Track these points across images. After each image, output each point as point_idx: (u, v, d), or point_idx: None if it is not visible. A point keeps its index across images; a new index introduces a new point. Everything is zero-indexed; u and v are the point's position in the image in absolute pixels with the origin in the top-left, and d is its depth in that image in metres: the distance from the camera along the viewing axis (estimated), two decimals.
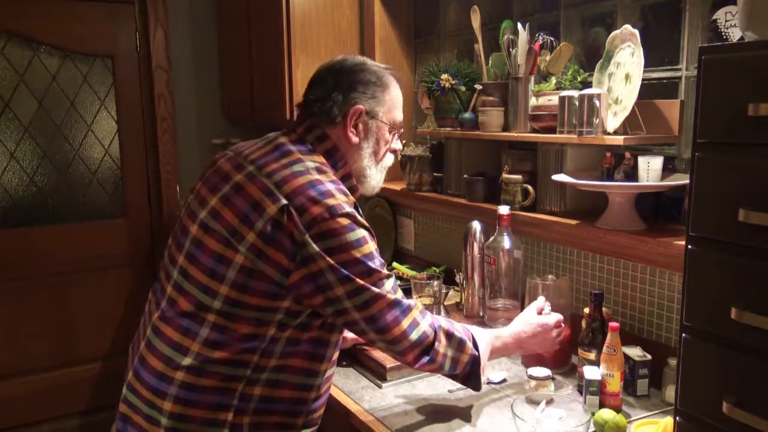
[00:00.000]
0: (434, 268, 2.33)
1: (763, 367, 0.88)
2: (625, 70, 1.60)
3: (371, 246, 1.24)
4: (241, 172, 1.27)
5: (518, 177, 1.88)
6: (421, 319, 1.29)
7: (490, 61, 2.05)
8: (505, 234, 1.82)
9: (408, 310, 1.27)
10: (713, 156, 0.93)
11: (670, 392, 1.46)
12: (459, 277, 2.02)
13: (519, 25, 1.86)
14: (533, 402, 1.37)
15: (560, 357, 1.64)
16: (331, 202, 1.19)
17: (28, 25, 2.84)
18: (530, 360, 1.65)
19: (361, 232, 1.23)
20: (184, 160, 3.18)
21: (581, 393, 1.49)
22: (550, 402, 1.37)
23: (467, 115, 2.07)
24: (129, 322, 3.12)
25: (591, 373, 1.44)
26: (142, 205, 3.17)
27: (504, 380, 1.61)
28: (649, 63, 1.61)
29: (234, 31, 3.03)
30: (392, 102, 1.39)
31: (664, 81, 1.66)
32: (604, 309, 1.57)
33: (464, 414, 1.45)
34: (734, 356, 0.91)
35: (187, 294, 1.23)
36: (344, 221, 1.20)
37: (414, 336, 1.26)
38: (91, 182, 3.08)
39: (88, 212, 3.08)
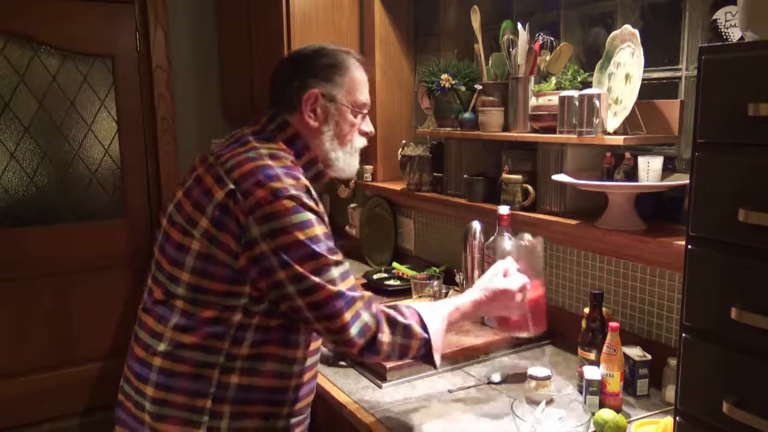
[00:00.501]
0: (434, 268, 2.33)
1: (763, 367, 0.88)
2: (625, 70, 1.60)
3: (318, 229, 1.21)
4: (203, 164, 1.30)
5: (518, 177, 1.88)
6: (364, 311, 1.24)
7: (490, 61, 2.05)
8: (505, 234, 1.82)
9: (352, 301, 1.23)
10: (713, 156, 0.93)
11: (670, 392, 1.46)
12: (459, 277, 2.02)
13: (519, 25, 1.86)
14: (533, 402, 1.37)
15: (535, 320, 1.56)
16: (276, 185, 1.19)
17: (28, 25, 2.85)
18: (503, 326, 1.58)
19: (307, 215, 1.21)
20: (184, 160, 3.18)
21: (581, 393, 1.49)
22: (550, 402, 1.37)
23: (467, 115, 2.07)
24: (129, 322, 3.10)
25: (591, 373, 1.44)
26: (142, 205, 3.18)
27: (504, 380, 1.61)
28: (649, 63, 1.61)
29: (234, 30, 3.03)
30: (352, 84, 1.36)
31: (664, 81, 1.66)
32: (604, 309, 1.57)
33: (464, 414, 1.45)
34: (734, 356, 0.91)
35: (160, 284, 1.28)
36: (288, 203, 1.19)
37: (355, 329, 1.22)
38: (91, 182, 3.09)
39: (88, 212, 3.09)
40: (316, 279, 1.19)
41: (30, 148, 2.94)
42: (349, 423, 1.53)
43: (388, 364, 1.61)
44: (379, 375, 1.63)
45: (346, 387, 1.60)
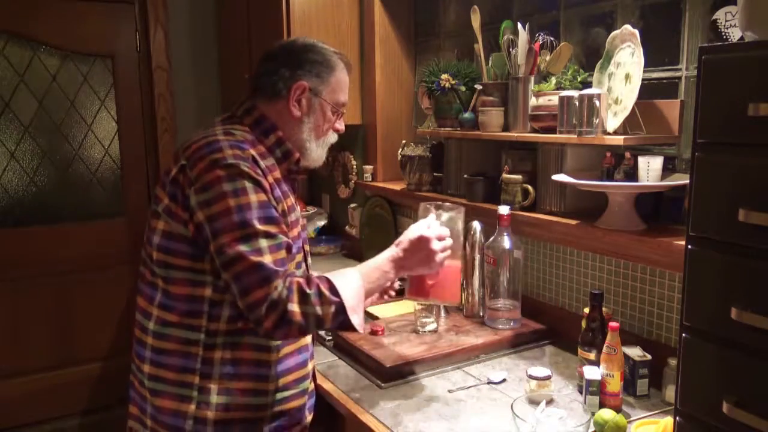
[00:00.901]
0: None
1: (763, 367, 0.88)
2: (625, 70, 1.60)
3: (252, 197, 1.23)
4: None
5: (518, 177, 1.88)
6: (280, 285, 1.21)
7: (490, 61, 2.05)
8: (505, 234, 1.82)
9: (273, 275, 1.20)
10: (713, 156, 0.93)
11: (670, 392, 1.46)
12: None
13: (519, 25, 1.86)
14: (533, 402, 1.37)
15: (448, 290, 1.52)
16: (215, 156, 1.24)
17: (28, 25, 2.85)
18: (415, 292, 1.53)
19: (243, 183, 1.23)
20: None
21: (581, 393, 1.49)
22: (550, 402, 1.37)
23: (467, 115, 2.07)
24: (129, 322, 3.10)
25: (591, 373, 1.44)
26: (142, 205, 3.17)
27: (504, 380, 1.61)
28: (649, 63, 1.61)
29: (234, 31, 3.03)
30: (337, 83, 1.44)
31: (664, 81, 1.66)
32: (604, 309, 1.57)
33: (464, 414, 1.45)
34: (734, 356, 0.91)
35: (147, 266, 1.37)
36: (221, 172, 1.23)
37: (266, 306, 1.19)
38: (91, 182, 3.09)
39: (88, 212, 3.09)
40: (240, 248, 1.20)
41: (30, 148, 2.94)
42: (349, 423, 1.53)
43: (388, 363, 1.61)
44: (379, 375, 1.63)
45: (346, 387, 1.60)
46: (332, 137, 1.48)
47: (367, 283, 1.35)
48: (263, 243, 1.21)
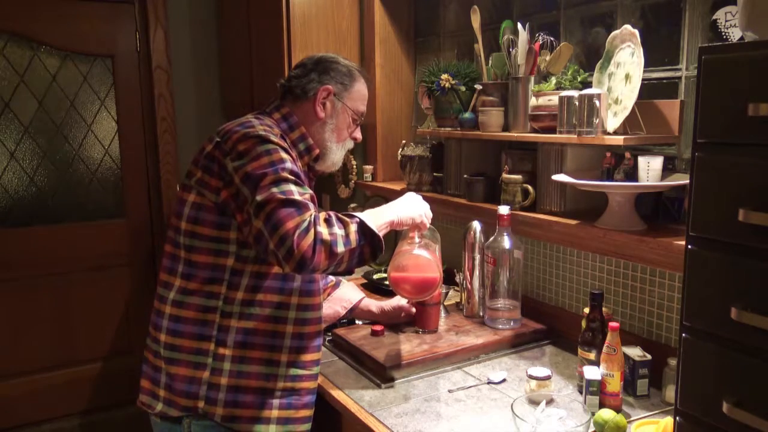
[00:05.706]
0: None
1: (763, 367, 0.88)
2: (625, 70, 1.60)
3: (284, 155, 1.35)
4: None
5: (518, 177, 1.88)
6: (308, 216, 1.28)
7: (490, 61, 2.05)
8: (505, 234, 1.82)
9: (304, 207, 1.28)
10: (713, 156, 0.93)
11: (670, 392, 1.46)
12: (459, 277, 2.02)
13: (519, 25, 1.86)
14: (533, 402, 1.37)
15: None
16: (248, 130, 1.38)
17: (28, 25, 2.85)
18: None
19: (273, 146, 1.35)
20: (184, 160, 3.18)
21: (581, 393, 1.49)
22: (550, 402, 1.37)
23: (467, 115, 2.07)
24: (129, 322, 3.12)
25: (591, 373, 1.44)
26: (142, 205, 3.18)
27: (504, 380, 1.61)
28: (649, 63, 1.61)
29: (234, 31, 3.03)
30: (357, 93, 1.59)
31: (664, 81, 1.66)
32: (604, 309, 1.57)
33: (464, 414, 1.45)
34: (734, 356, 0.91)
35: (170, 239, 1.47)
36: (255, 139, 1.36)
37: (297, 234, 1.25)
38: (91, 182, 3.08)
39: (88, 212, 3.09)
40: (272, 190, 1.28)
41: (30, 148, 2.94)
42: (349, 423, 1.53)
43: (388, 363, 1.61)
44: (379, 375, 1.63)
45: (346, 387, 1.60)
46: (349, 143, 1.61)
47: (371, 214, 1.43)
48: (293, 187, 1.30)
